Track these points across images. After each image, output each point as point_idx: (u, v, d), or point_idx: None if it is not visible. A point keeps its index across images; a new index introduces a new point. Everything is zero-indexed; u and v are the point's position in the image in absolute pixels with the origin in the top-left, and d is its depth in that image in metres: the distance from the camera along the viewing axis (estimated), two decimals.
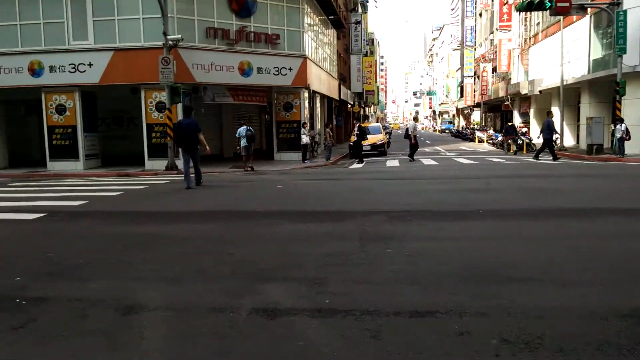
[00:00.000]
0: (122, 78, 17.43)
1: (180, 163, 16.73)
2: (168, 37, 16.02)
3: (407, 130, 21.07)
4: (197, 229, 6.87)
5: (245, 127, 16.65)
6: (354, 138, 23.49)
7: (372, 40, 63.17)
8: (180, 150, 12.89)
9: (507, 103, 39.10)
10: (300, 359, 2.94)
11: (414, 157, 19.81)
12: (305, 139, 19.47)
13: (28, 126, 21.54)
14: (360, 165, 18.63)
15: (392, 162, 19.31)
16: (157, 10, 16.24)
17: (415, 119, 24.10)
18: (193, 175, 11.74)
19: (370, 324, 3.39)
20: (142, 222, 7.42)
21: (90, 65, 17.35)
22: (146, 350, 3.14)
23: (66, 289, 4.34)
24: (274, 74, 19.35)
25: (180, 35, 16.30)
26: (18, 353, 3.15)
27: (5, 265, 5.12)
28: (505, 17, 37.41)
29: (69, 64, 17.43)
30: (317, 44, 24.58)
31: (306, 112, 20.91)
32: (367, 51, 51.23)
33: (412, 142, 19.82)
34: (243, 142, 16.39)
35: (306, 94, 20.91)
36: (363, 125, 23.48)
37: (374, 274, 4.54)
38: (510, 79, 38.37)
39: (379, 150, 23.45)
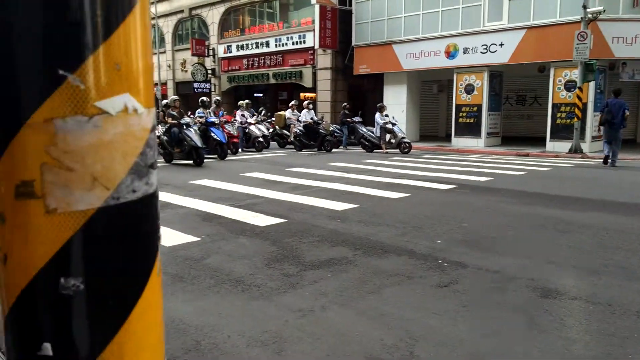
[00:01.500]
0: (531, 56, 17.14)
1: (585, 146, 15.59)
2: (588, 9, 14.79)
3: None
4: (613, 220, 6.18)
5: None
6: None
7: None
8: (601, 129, 13.28)
9: None
10: None
11: None
12: None
13: (437, 104, 23.78)
14: None
15: None
16: None
17: None
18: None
19: None
20: (549, 205, 7.17)
21: (501, 45, 17.69)
22: (569, 339, 3.02)
23: (481, 259, 4.59)
24: None
25: (602, 7, 14.81)
26: (444, 311, 3.51)
27: (428, 228, 5.79)
28: None
29: (481, 45, 18.19)
30: None
31: None
32: None
33: None
34: None
35: None
36: None
37: None
38: None
39: None
